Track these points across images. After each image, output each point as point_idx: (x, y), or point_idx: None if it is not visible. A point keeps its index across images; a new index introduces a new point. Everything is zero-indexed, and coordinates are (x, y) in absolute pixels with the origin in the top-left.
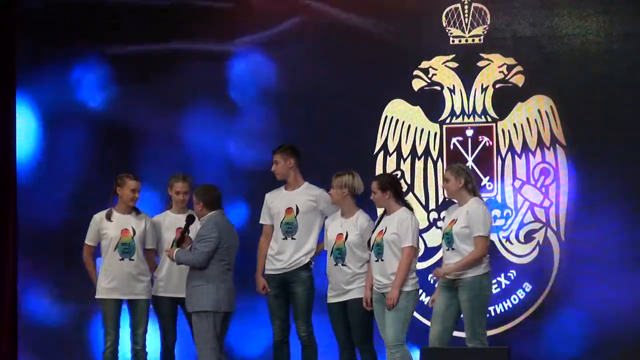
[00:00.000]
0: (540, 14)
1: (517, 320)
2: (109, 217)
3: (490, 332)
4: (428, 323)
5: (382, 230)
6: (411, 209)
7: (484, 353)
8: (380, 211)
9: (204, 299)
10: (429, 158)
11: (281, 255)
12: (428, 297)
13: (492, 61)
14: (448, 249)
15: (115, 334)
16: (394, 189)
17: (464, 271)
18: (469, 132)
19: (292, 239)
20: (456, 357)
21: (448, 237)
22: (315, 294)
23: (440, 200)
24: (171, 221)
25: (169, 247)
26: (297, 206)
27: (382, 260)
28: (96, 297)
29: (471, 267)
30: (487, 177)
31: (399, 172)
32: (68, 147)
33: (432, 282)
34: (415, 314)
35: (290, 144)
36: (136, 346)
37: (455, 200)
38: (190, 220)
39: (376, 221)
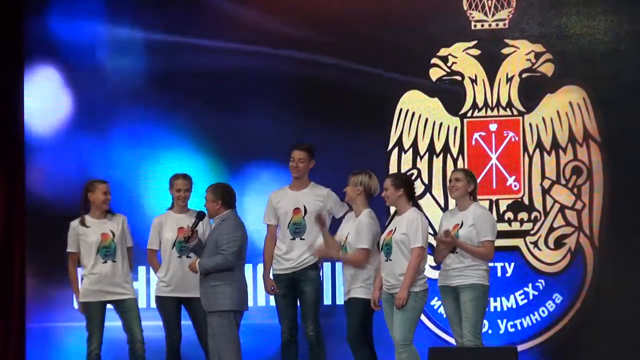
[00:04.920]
0: (548, 14)
1: (546, 335)
2: (83, 224)
3: (518, 348)
4: (432, 326)
5: (391, 230)
6: (421, 210)
7: (493, 352)
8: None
9: (226, 298)
10: (449, 155)
11: (290, 255)
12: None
13: (519, 48)
14: (453, 252)
15: (100, 336)
16: (407, 188)
17: (467, 275)
18: (493, 127)
19: (301, 239)
20: (464, 357)
21: None
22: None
23: None
24: (173, 221)
25: (169, 247)
26: (304, 207)
27: (390, 260)
28: (80, 300)
29: (474, 256)
30: (513, 177)
31: (415, 171)
32: None
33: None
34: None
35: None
36: (135, 344)
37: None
38: (201, 216)
39: (387, 221)
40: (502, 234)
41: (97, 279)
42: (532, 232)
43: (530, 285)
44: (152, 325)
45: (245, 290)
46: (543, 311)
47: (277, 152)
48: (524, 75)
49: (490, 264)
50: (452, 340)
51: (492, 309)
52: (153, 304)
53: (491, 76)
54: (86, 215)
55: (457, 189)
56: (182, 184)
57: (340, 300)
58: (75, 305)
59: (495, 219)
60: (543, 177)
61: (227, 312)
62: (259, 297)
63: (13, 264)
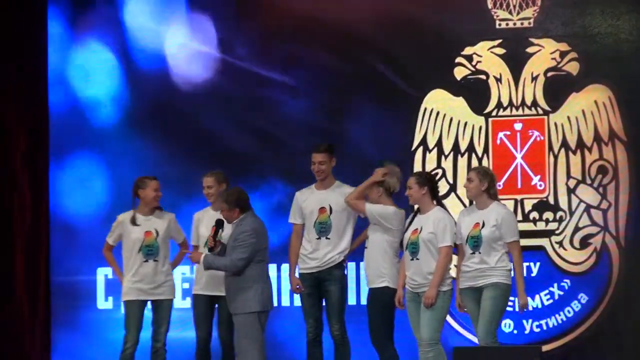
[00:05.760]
0: (572, 13)
1: (571, 335)
2: (134, 222)
3: (543, 348)
4: (457, 326)
5: (416, 229)
6: (445, 208)
7: (516, 352)
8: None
9: (250, 299)
10: (473, 155)
11: (315, 254)
12: None
13: (543, 47)
14: (474, 253)
15: (137, 335)
16: (431, 186)
17: (490, 275)
18: (518, 126)
19: (327, 238)
20: (488, 356)
21: (475, 241)
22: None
23: None
24: (210, 218)
25: (202, 243)
26: (330, 206)
27: (417, 259)
28: (122, 299)
29: (522, 272)
30: (538, 176)
31: (439, 170)
32: None
33: None
34: None
35: (328, 143)
36: (157, 344)
37: (473, 203)
38: (220, 224)
39: (408, 220)
40: (527, 234)
41: (137, 278)
42: (557, 232)
43: (555, 285)
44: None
45: (270, 290)
46: (568, 311)
47: (299, 151)
48: (549, 74)
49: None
50: (476, 340)
51: (517, 309)
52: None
53: (516, 75)
54: (135, 211)
55: (469, 189)
56: (206, 181)
57: (365, 300)
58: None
59: (520, 218)
60: (568, 176)
61: (252, 313)
62: (284, 296)
63: (38, 263)
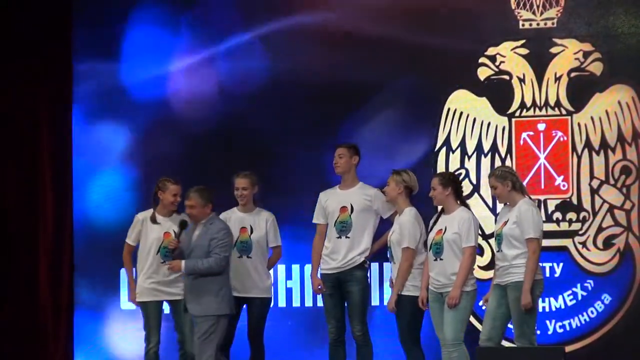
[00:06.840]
0: (595, 13)
1: (595, 336)
2: (154, 220)
3: (566, 349)
4: (479, 325)
5: (441, 229)
6: (469, 209)
7: (540, 352)
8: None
9: (218, 302)
10: (497, 155)
11: (335, 254)
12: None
13: (567, 47)
14: (499, 251)
15: (158, 334)
16: (455, 186)
17: (512, 273)
18: (541, 126)
19: (347, 237)
20: (512, 357)
21: (499, 239)
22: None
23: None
24: (237, 219)
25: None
26: (352, 205)
27: (441, 259)
28: (137, 300)
29: (532, 271)
30: (562, 176)
31: (463, 171)
32: None
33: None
34: None
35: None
36: (185, 345)
37: (507, 203)
38: (184, 226)
39: (432, 220)
40: (550, 234)
41: (153, 279)
42: (580, 232)
43: (578, 285)
44: None
45: (231, 293)
46: (592, 312)
47: (321, 148)
48: (572, 75)
49: (539, 264)
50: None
51: (540, 310)
52: None
53: (539, 75)
54: (155, 211)
55: (497, 195)
56: (239, 182)
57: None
58: (126, 301)
59: (544, 219)
60: (592, 176)
61: (220, 316)
62: (307, 297)
63: (62, 264)
